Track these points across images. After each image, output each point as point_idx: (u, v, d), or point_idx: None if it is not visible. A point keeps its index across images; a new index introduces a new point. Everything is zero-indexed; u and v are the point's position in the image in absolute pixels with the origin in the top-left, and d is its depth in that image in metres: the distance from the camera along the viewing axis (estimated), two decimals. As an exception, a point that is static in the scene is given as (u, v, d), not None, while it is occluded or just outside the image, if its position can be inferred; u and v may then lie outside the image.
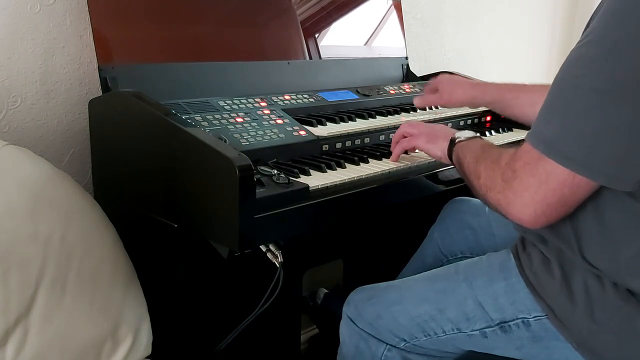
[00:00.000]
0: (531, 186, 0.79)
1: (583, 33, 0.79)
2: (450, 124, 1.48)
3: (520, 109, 1.30)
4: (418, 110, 1.49)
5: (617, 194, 0.79)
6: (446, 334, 0.98)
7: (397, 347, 1.03)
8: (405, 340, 1.02)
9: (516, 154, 0.83)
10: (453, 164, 1.05)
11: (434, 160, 1.16)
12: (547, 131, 0.78)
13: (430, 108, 1.52)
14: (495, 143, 1.38)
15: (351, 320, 1.09)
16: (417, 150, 1.19)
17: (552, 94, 0.79)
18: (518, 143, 1.46)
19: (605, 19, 0.74)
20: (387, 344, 1.04)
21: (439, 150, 1.08)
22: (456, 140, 1.04)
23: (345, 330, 1.11)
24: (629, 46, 0.71)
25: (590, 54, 0.75)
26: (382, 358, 1.04)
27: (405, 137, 1.16)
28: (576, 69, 0.76)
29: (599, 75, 0.73)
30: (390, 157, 1.18)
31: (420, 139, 1.12)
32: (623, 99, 0.72)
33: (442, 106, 1.45)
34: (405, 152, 1.20)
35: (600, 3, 0.78)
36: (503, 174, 0.83)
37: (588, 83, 0.74)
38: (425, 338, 1.00)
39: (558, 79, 0.79)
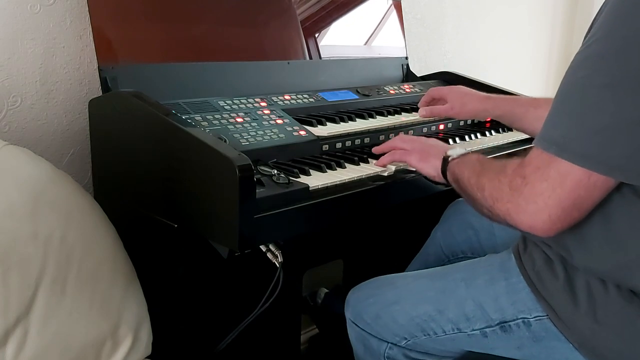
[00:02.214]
0: (545, 191, 0.77)
1: (585, 36, 0.78)
2: (451, 124, 1.48)
3: (529, 123, 1.29)
4: (418, 110, 1.48)
5: (626, 197, 0.79)
6: (446, 334, 0.98)
7: (398, 345, 1.03)
8: (405, 339, 1.02)
9: (524, 161, 0.81)
10: (447, 182, 1.04)
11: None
12: (558, 133, 0.77)
13: None
14: (495, 143, 1.40)
15: (353, 322, 1.09)
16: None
17: (560, 97, 0.78)
18: (518, 143, 1.46)
19: (611, 18, 0.74)
20: (388, 342, 1.04)
21: (432, 169, 1.07)
22: (449, 159, 1.02)
23: (350, 332, 1.11)
24: (638, 42, 0.71)
25: (599, 52, 0.74)
26: (385, 356, 1.05)
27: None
28: (585, 69, 0.76)
29: (610, 71, 0.73)
30: (377, 161, 1.15)
31: (413, 157, 1.11)
32: (636, 93, 0.71)
33: (450, 117, 1.44)
34: None
35: (602, 6, 0.78)
36: (511, 183, 0.82)
37: (599, 80, 0.73)
38: (425, 337, 1.00)
39: (565, 82, 0.78)
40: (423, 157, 1.09)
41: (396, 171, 1.13)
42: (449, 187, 1.23)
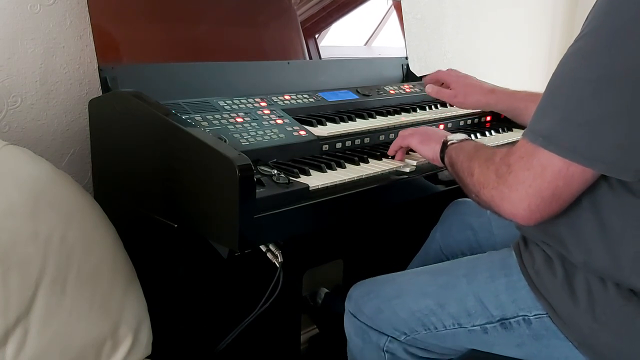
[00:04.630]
0: (526, 179, 0.79)
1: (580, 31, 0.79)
2: (451, 124, 1.48)
3: (530, 118, 1.31)
4: (418, 110, 1.49)
5: (615, 192, 0.80)
6: (446, 329, 0.98)
7: (398, 340, 1.04)
8: (405, 334, 1.02)
9: (510, 150, 0.84)
10: (444, 166, 1.06)
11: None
12: (545, 125, 0.78)
13: (435, 107, 1.52)
14: (495, 143, 1.40)
15: (353, 315, 1.09)
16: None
17: (549, 90, 0.80)
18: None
19: (599, 14, 0.76)
20: (388, 336, 1.04)
21: (431, 151, 1.10)
22: (448, 143, 1.05)
23: (348, 325, 1.11)
24: (625, 36, 0.72)
25: (587, 46, 0.76)
26: (385, 349, 1.05)
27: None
28: (573, 62, 0.77)
29: (597, 66, 0.74)
30: (388, 150, 1.21)
31: (414, 139, 1.15)
32: (621, 88, 0.72)
33: (454, 105, 1.46)
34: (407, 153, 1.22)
35: (595, 2, 0.78)
36: (497, 170, 0.84)
37: (586, 74, 0.75)
38: (425, 332, 1.00)
39: (555, 75, 0.80)
40: (424, 140, 1.13)
41: (396, 171, 1.14)
42: (449, 187, 1.24)
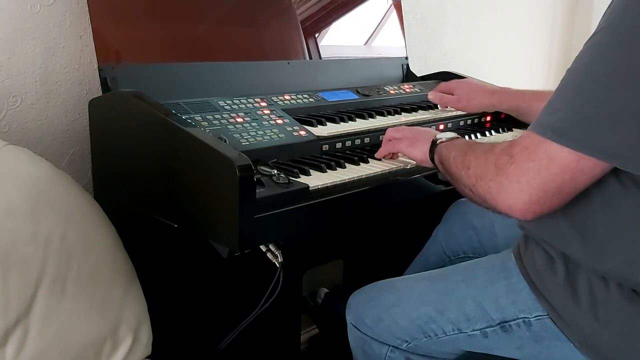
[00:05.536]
0: (530, 171, 0.77)
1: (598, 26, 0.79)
2: (451, 124, 1.48)
3: (534, 117, 1.32)
4: (419, 110, 1.49)
5: (629, 192, 0.79)
6: (447, 335, 0.98)
7: (400, 349, 1.03)
8: (407, 342, 1.02)
9: (513, 141, 0.82)
10: (434, 166, 1.05)
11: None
12: (555, 119, 0.76)
13: (435, 107, 1.53)
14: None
15: (353, 326, 1.09)
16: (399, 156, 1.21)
17: (563, 84, 0.79)
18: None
19: (619, 8, 0.74)
20: (389, 345, 1.04)
21: (420, 153, 1.08)
22: (438, 142, 1.04)
23: (351, 336, 1.11)
24: None
25: (604, 40, 0.75)
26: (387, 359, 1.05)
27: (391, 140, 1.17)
28: (589, 56, 0.76)
29: (613, 60, 0.73)
30: (375, 153, 1.19)
31: (403, 143, 1.13)
32: (636, 83, 0.71)
33: (457, 110, 1.47)
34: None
35: None
36: (497, 161, 0.82)
37: (601, 68, 0.74)
38: (425, 339, 1.00)
39: (570, 69, 0.78)
40: (412, 143, 1.11)
41: (396, 171, 1.14)
42: (449, 187, 1.23)
